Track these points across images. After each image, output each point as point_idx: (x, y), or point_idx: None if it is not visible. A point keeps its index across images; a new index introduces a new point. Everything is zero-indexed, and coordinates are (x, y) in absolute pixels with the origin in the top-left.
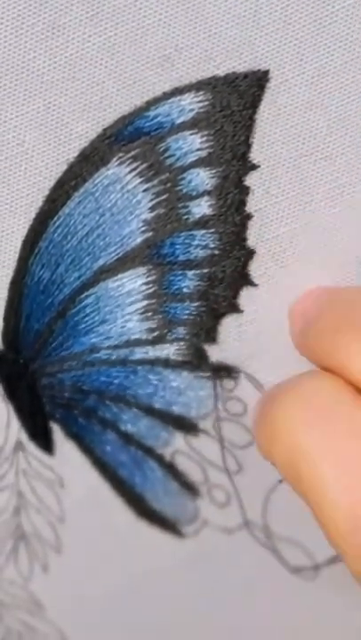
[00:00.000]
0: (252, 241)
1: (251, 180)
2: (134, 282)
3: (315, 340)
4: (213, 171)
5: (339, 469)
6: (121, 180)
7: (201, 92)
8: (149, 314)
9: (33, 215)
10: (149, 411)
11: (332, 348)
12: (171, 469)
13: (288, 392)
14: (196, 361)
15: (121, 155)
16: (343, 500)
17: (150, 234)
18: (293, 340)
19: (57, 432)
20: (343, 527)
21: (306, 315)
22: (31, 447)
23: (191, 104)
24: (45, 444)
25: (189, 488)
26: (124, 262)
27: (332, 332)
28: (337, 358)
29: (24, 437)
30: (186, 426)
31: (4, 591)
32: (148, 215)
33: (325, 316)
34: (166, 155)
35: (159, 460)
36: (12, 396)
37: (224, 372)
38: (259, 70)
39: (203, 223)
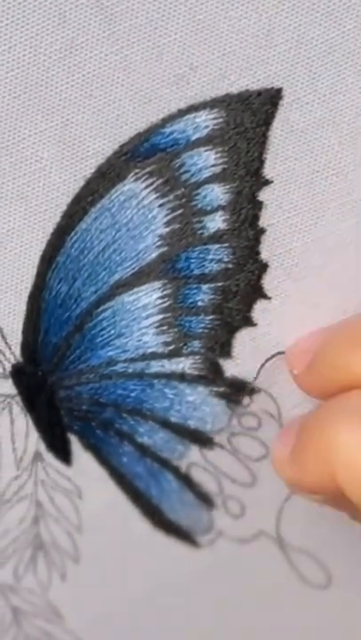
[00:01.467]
0: (265, 255)
1: (264, 195)
2: (150, 296)
3: (327, 364)
4: (228, 186)
5: None
6: (137, 196)
7: (215, 110)
8: (165, 327)
9: (50, 230)
10: (165, 424)
11: (350, 361)
12: (186, 481)
13: (342, 413)
14: (212, 375)
15: (137, 171)
16: None
17: (166, 248)
18: (298, 380)
19: (75, 443)
20: None
21: (311, 349)
22: (49, 458)
23: (206, 121)
24: (63, 454)
25: (205, 499)
26: (139, 276)
27: (348, 347)
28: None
29: (42, 448)
30: (201, 439)
31: (23, 599)
32: (163, 230)
33: (335, 338)
34: (181, 170)
35: (175, 471)
36: (31, 407)
37: (239, 386)
38: (272, 88)
39: (217, 238)
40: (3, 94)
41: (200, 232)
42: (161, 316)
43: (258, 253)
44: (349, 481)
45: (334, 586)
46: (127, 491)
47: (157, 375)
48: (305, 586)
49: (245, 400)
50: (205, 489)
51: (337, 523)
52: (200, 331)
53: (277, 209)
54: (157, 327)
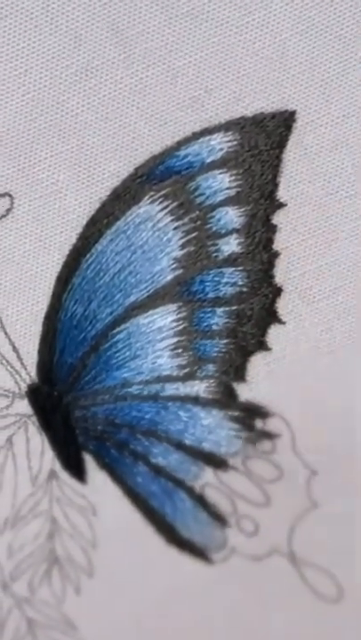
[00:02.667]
0: (279, 278)
1: (278, 218)
2: (165, 318)
3: None
4: (242, 209)
5: None
6: (152, 219)
7: (230, 132)
8: (179, 350)
9: (66, 252)
10: (180, 446)
11: None
12: (200, 500)
13: None
14: (226, 399)
15: (152, 193)
16: None
17: (180, 271)
18: None
19: (90, 462)
20: None
21: None
22: (64, 476)
23: (220, 144)
24: (78, 473)
25: (218, 518)
26: (154, 299)
27: None
28: None
29: (57, 467)
30: (216, 462)
31: (38, 611)
32: (178, 253)
33: None
34: (196, 193)
35: (189, 491)
36: (47, 427)
37: (253, 410)
38: (286, 111)
39: (231, 261)
40: (19, 117)
41: (215, 255)
42: (176, 339)
43: (272, 277)
44: None
45: (346, 599)
46: (141, 509)
47: (172, 398)
48: (317, 600)
49: (259, 424)
50: (219, 509)
51: (348, 537)
52: (214, 354)
53: (291, 232)
54: (172, 350)
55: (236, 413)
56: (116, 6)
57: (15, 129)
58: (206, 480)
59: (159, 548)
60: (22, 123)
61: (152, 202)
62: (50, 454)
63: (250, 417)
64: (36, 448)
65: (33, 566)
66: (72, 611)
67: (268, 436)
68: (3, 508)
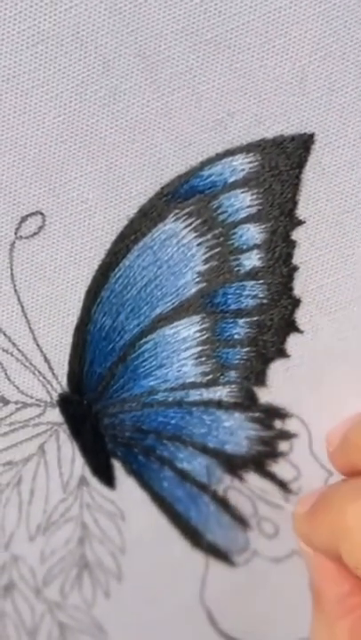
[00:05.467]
0: (298, 291)
1: (297, 234)
2: (189, 329)
3: (352, 444)
4: (263, 226)
5: None
6: (177, 235)
7: (251, 154)
8: (203, 359)
9: (96, 267)
10: (204, 449)
11: None
12: (223, 504)
13: (353, 492)
14: (247, 402)
15: (177, 211)
16: None
17: (204, 284)
18: (330, 456)
19: (118, 469)
20: None
21: (344, 431)
22: (94, 482)
23: (242, 164)
24: (107, 479)
25: (241, 521)
26: (179, 311)
27: None
28: None
29: (87, 473)
30: (238, 464)
31: (69, 615)
32: (201, 267)
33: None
34: (219, 211)
35: (213, 495)
36: (77, 434)
37: (272, 412)
38: (305, 133)
39: (253, 274)
40: (50, 139)
41: (237, 269)
42: (199, 348)
43: (291, 289)
44: (349, 551)
45: None
46: (167, 513)
47: (196, 403)
48: None
49: (278, 424)
50: (241, 511)
51: None
52: (236, 362)
53: (310, 247)
54: (196, 358)
55: (256, 415)
56: (143, 33)
57: (47, 150)
58: (228, 483)
59: (185, 551)
60: (53, 144)
61: (177, 219)
62: (80, 461)
63: (269, 418)
64: (67, 455)
65: (64, 571)
66: (101, 615)
67: (287, 435)
68: (35, 514)
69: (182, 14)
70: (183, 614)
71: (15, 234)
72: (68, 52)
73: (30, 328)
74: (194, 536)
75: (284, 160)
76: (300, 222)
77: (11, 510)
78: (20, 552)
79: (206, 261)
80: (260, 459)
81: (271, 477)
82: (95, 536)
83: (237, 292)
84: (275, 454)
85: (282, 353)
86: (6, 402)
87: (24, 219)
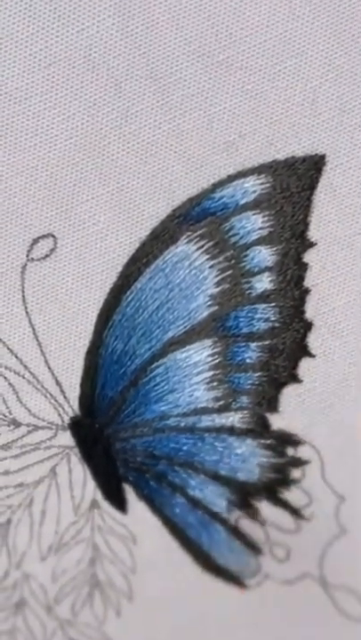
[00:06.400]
0: (310, 314)
1: (309, 256)
2: (201, 353)
3: None
4: (274, 248)
5: None
6: (189, 257)
7: (263, 175)
8: (215, 383)
9: (107, 289)
10: (216, 477)
11: None
12: (235, 531)
13: None
14: (259, 429)
15: (189, 233)
16: None
17: (216, 308)
18: None
19: (130, 493)
20: None
21: None
22: (105, 505)
23: (254, 186)
24: (119, 503)
25: (252, 547)
26: (191, 335)
27: None
28: None
29: (99, 496)
30: (249, 491)
31: (80, 632)
32: (213, 290)
33: None
34: (231, 233)
35: (224, 523)
36: (89, 458)
37: (285, 439)
38: (316, 155)
39: (264, 297)
40: (62, 161)
41: (248, 292)
42: (211, 373)
43: (303, 312)
44: None
45: None
46: (179, 538)
47: (208, 429)
48: (348, 621)
49: (290, 451)
50: (253, 538)
51: None
52: (248, 387)
53: (321, 270)
54: (208, 383)
55: (268, 442)
56: (154, 55)
57: (58, 172)
58: (240, 512)
59: (196, 574)
60: (65, 167)
61: (189, 241)
62: (92, 484)
63: (282, 445)
64: (79, 478)
65: (76, 589)
66: (112, 632)
67: (299, 462)
68: (47, 535)
69: (194, 36)
70: (193, 633)
71: (27, 256)
72: (79, 74)
73: (42, 351)
74: (205, 560)
75: (295, 181)
76: (312, 244)
77: (22, 530)
78: (31, 571)
79: (218, 284)
80: (272, 486)
81: (283, 505)
82: (106, 557)
83: (249, 315)
84: (287, 482)
85: (294, 378)
86: (18, 424)
87: (36, 241)
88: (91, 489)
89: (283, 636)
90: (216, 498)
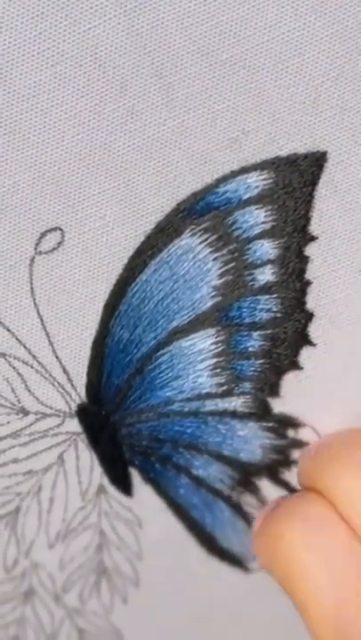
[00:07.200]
0: (311, 305)
1: (310, 250)
2: (205, 341)
3: (311, 467)
4: (276, 242)
5: (331, 583)
6: (193, 250)
7: (265, 171)
8: (218, 370)
9: (114, 281)
10: (219, 457)
11: (322, 474)
12: (238, 509)
13: (287, 514)
14: (261, 412)
15: (193, 227)
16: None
17: (219, 298)
18: (299, 472)
19: (135, 477)
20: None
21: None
22: (112, 490)
23: (257, 182)
24: (125, 487)
25: None
26: (195, 324)
27: (326, 461)
28: (325, 485)
29: (106, 482)
30: (251, 471)
31: (87, 621)
32: (217, 282)
33: (322, 449)
34: (234, 227)
35: (227, 501)
36: (95, 444)
37: (286, 421)
38: (318, 151)
39: (267, 289)
40: (69, 157)
41: (251, 284)
42: (215, 360)
43: (304, 304)
44: (280, 574)
45: None
46: (183, 520)
47: (211, 413)
48: None
49: (291, 433)
50: (255, 517)
51: None
52: (251, 373)
53: (322, 263)
54: (211, 370)
55: (270, 424)
56: (159, 54)
57: (66, 168)
58: (242, 489)
59: (201, 558)
60: (72, 162)
61: (193, 235)
62: (98, 470)
63: (283, 427)
64: (86, 464)
65: (83, 577)
66: (119, 620)
67: (300, 444)
68: (55, 522)
69: (199, 36)
70: (199, 618)
71: (35, 249)
72: (86, 72)
73: (50, 341)
74: (209, 542)
75: (297, 177)
76: (313, 238)
77: (31, 519)
78: (39, 559)
79: (221, 276)
80: (274, 466)
81: (284, 485)
82: (113, 543)
83: (252, 305)
84: (288, 462)
85: (295, 365)
86: (26, 412)
87: (43, 234)
88: (98, 474)
89: (288, 620)
90: (220, 476)
